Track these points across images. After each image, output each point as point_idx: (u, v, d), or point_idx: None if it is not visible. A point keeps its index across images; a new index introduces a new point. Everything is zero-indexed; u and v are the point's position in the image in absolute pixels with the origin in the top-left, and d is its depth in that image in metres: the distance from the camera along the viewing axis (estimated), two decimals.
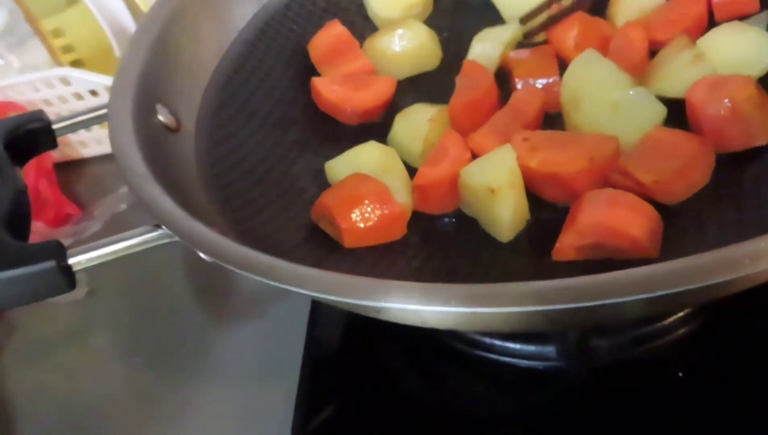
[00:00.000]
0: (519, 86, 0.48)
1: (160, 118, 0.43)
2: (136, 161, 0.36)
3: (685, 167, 0.39)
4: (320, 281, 0.27)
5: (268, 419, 0.46)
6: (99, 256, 0.33)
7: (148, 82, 0.43)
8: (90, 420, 0.50)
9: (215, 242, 0.31)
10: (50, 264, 0.31)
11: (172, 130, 0.43)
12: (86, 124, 0.42)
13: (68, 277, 0.32)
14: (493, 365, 0.44)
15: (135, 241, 0.33)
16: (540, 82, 0.47)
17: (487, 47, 0.50)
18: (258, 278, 0.29)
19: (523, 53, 0.49)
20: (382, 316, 0.29)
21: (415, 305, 0.25)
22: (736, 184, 0.39)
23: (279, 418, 0.45)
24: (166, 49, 0.46)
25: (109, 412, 0.50)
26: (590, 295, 0.23)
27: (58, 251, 0.32)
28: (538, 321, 0.28)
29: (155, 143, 0.40)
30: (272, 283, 0.28)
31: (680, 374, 0.41)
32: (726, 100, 0.39)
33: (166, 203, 0.33)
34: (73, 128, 0.42)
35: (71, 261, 0.32)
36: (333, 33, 0.54)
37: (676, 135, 0.40)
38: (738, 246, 0.26)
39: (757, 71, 0.43)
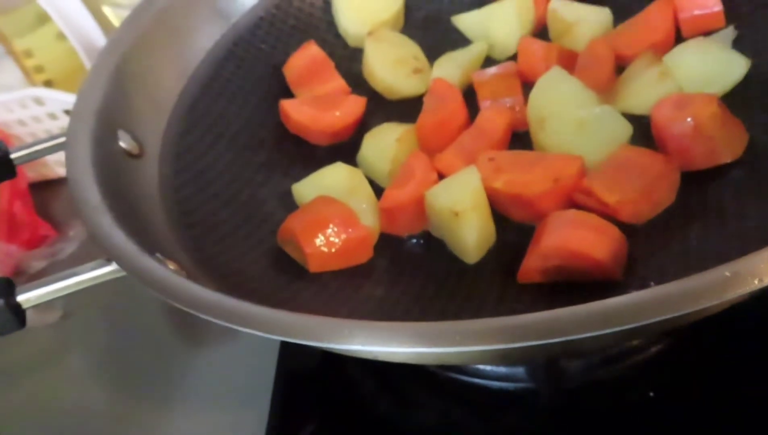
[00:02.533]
0: (484, 106, 0.47)
1: (122, 144, 0.42)
2: (90, 192, 0.35)
3: (650, 186, 0.39)
4: (265, 320, 0.27)
5: None
6: (49, 293, 0.32)
7: (110, 108, 0.43)
8: None
9: (163, 279, 0.31)
10: None
11: (135, 156, 0.43)
12: (45, 153, 0.41)
13: (17, 315, 0.32)
14: (465, 386, 0.44)
15: (86, 277, 0.32)
16: (504, 102, 0.47)
17: (446, 71, 0.50)
18: (201, 315, 0.28)
19: (487, 73, 0.49)
20: (334, 351, 0.29)
21: (358, 346, 0.24)
22: (701, 202, 0.39)
23: None
24: (129, 73, 0.46)
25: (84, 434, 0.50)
26: (534, 334, 0.23)
27: (6, 289, 0.31)
28: (486, 357, 0.27)
29: (115, 171, 0.40)
30: (215, 320, 0.28)
31: (651, 393, 0.41)
32: (689, 119, 0.39)
33: (118, 237, 0.33)
34: (33, 156, 0.42)
35: (20, 298, 0.32)
36: (308, 54, 0.54)
37: (641, 154, 0.40)
38: (701, 276, 0.25)
39: (721, 88, 0.43)
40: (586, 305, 0.24)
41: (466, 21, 0.55)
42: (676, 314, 0.22)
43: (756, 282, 0.22)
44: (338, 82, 0.53)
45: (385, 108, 0.53)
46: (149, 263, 0.32)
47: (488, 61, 0.52)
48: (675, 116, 0.40)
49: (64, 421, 0.51)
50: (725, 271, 0.23)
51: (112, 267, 0.32)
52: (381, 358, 0.29)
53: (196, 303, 0.29)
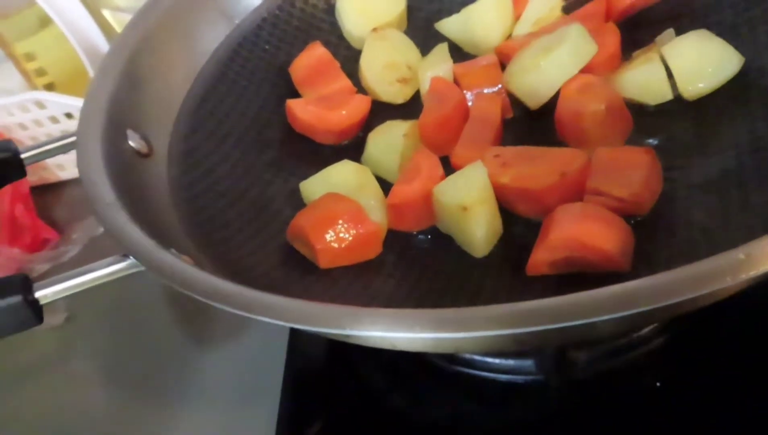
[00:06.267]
0: (468, 97, 0.48)
1: (131, 143, 0.42)
2: (104, 189, 0.36)
3: (647, 176, 0.40)
4: (287, 309, 0.27)
5: None
6: (66, 289, 0.32)
7: (118, 108, 0.43)
8: None
9: (182, 272, 0.31)
10: (17, 299, 0.31)
11: (144, 156, 0.43)
12: (55, 153, 0.42)
13: (35, 311, 0.32)
14: (474, 380, 0.44)
15: (103, 272, 0.32)
16: (486, 92, 0.48)
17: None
18: (223, 307, 0.29)
19: (468, 65, 0.50)
20: (352, 341, 0.29)
21: (381, 332, 0.25)
22: (705, 192, 0.40)
23: None
24: (136, 74, 0.46)
25: None
26: (553, 317, 0.23)
27: (23, 285, 0.31)
28: (505, 342, 0.28)
29: (126, 170, 0.40)
30: (238, 311, 0.28)
31: (658, 383, 0.41)
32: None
33: (134, 233, 0.33)
34: (42, 156, 0.42)
35: (38, 294, 0.32)
36: (314, 54, 0.54)
37: (625, 151, 0.42)
38: (715, 258, 0.25)
39: (716, 81, 0.44)
40: (601, 290, 0.25)
41: (448, 26, 0.55)
42: (691, 295, 0.23)
43: (752, 272, 0.23)
44: (344, 82, 0.54)
45: (388, 108, 0.53)
46: (167, 257, 0.32)
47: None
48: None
49: (69, 424, 0.51)
50: (740, 253, 0.23)
51: (129, 262, 0.32)
52: (399, 346, 0.29)
53: (218, 294, 0.29)
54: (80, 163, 0.38)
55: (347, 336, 0.27)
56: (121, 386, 0.53)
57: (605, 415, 0.41)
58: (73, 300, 0.56)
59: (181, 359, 0.52)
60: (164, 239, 0.36)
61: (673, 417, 0.40)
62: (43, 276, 0.65)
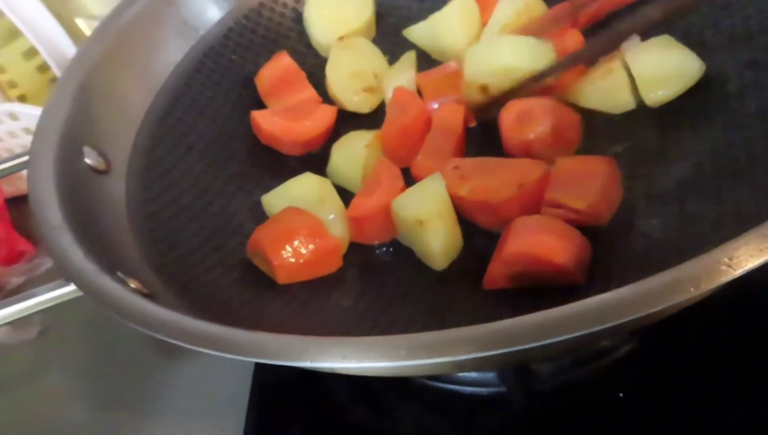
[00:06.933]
0: (431, 106, 0.48)
1: (88, 160, 0.42)
2: (51, 211, 0.35)
3: (605, 187, 0.39)
4: (218, 340, 0.27)
5: None
6: (7, 315, 0.32)
7: (74, 125, 0.42)
8: None
9: (119, 299, 0.31)
10: None
11: (101, 172, 0.43)
12: (8, 172, 0.41)
13: None
14: (438, 392, 0.44)
15: (46, 297, 0.32)
16: (450, 100, 0.47)
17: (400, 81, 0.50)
18: (157, 336, 0.28)
19: (430, 74, 0.49)
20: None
21: (308, 363, 0.25)
22: (662, 202, 0.40)
23: None
24: (94, 90, 0.45)
25: None
26: (475, 347, 0.23)
27: None
28: (440, 368, 0.27)
29: (80, 188, 0.40)
30: (171, 341, 0.28)
31: (621, 394, 0.41)
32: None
33: (76, 257, 0.33)
34: None
35: None
36: (280, 65, 0.54)
37: (586, 160, 0.41)
38: (640, 284, 0.25)
39: (679, 87, 0.43)
40: (521, 318, 0.24)
41: (415, 33, 0.55)
42: (612, 324, 0.23)
43: (692, 289, 0.22)
44: (309, 92, 0.53)
45: (355, 117, 0.53)
46: (106, 283, 0.32)
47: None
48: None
49: None
50: (665, 278, 0.23)
51: (71, 287, 0.32)
52: (338, 371, 0.29)
53: (150, 322, 0.29)
54: (30, 184, 0.38)
55: (281, 364, 0.26)
56: (94, 399, 0.53)
57: (569, 427, 0.41)
58: (46, 314, 0.56)
59: (153, 371, 0.52)
60: (114, 260, 0.35)
61: (636, 428, 0.40)
62: (18, 289, 0.65)
